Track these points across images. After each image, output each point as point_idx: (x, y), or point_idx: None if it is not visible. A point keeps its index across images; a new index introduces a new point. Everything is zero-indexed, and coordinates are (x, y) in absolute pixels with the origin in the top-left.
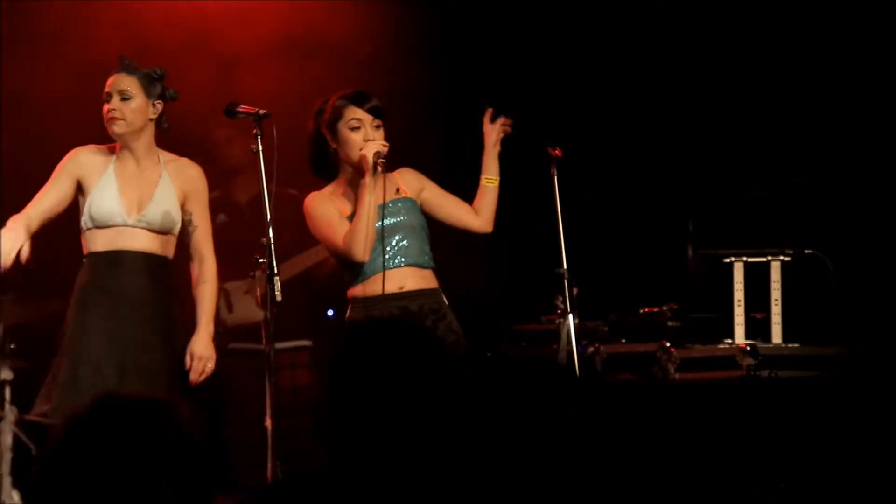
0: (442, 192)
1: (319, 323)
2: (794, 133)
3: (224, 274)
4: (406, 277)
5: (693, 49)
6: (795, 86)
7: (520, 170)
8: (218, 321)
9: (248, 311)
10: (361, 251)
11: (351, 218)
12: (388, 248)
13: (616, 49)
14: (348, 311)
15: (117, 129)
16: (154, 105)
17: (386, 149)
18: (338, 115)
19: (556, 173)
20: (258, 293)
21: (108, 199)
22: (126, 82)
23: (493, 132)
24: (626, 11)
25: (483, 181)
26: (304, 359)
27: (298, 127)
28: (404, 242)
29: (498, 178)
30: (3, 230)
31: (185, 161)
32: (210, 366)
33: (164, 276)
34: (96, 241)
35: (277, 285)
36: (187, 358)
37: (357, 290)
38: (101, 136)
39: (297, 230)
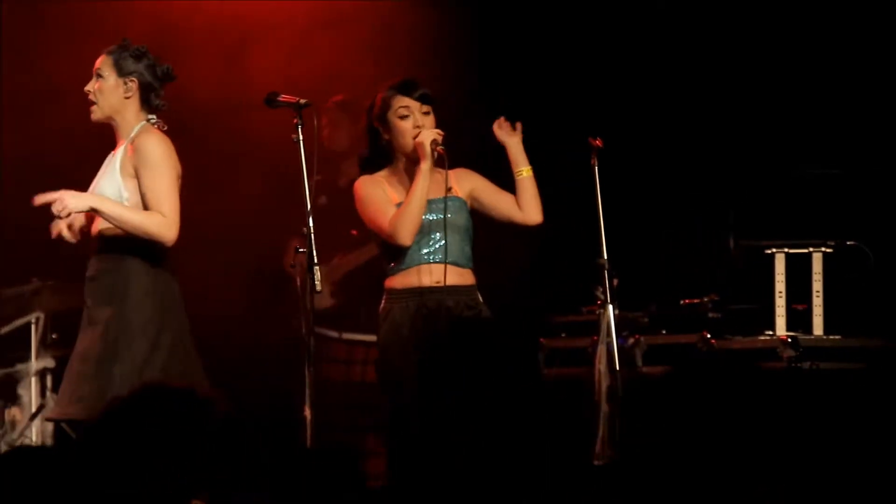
0: (494, 189)
1: None
2: (835, 121)
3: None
4: (442, 273)
5: (732, 37)
6: (836, 75)
7: (560, 160)
8: (298, 307)
9: (324, 297)
10: (407, 234)
11: (400, 205)
12: (429, 243)
13: (654, 36)
14: (383, 302)
15: (92, 116)
16: (126, 83)
17: (441, 136)
18: (386, 106)
19: (596, 163)
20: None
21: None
22: (102, 61)
23: (503, 134)
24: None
25: (516, 175)
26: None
27: None
28: (447, 240)
29: (528, 167)
30: None
31: (144, 131)
32: (56, 202)
33: (118, 254)
34: None
35: (317, 275)
36: None
37: (394, 282)
38: None
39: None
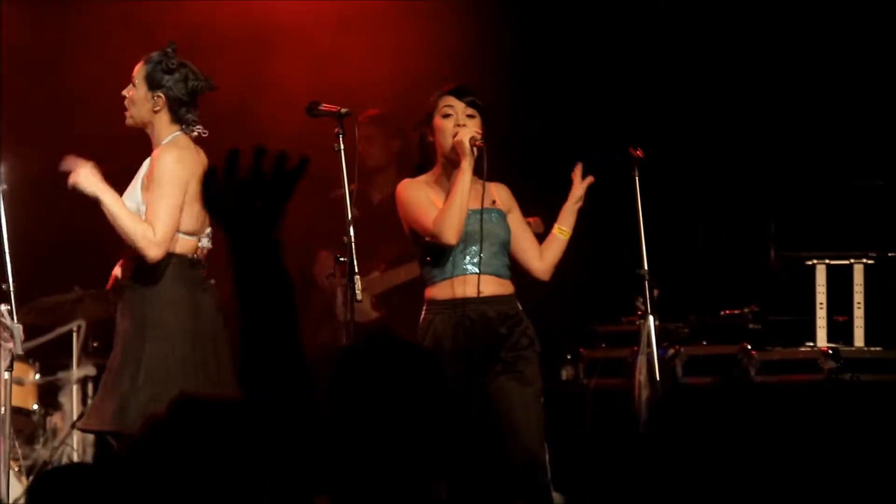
0: (523, 224)
1: None
2: (877, 131)
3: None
4: (485, 283)
5: (774, 48)
6: (879, 85)
7: (601, 171)
8: (334, 317)
9: (362, 309)
10: (452, 232)
11: None
12: (469, 254)
13: (695, 47)
14: (423, 313)
15: (126, 122)
16: (154, 98)
17: (480, 135)
18: (433, 107)
19: (637, 174)
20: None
21: None
22: (137, 70)
23: (580, 188)
24: (700, 10)
25: (556, 230)
26: None
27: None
28: (488, 252)
29: (570, 232)
30: None
31: (166, 146)
32: (73, 173)
33: (141, 265)
34: None
35: (358, 285)
36: None
37: (435, 292)
38: None
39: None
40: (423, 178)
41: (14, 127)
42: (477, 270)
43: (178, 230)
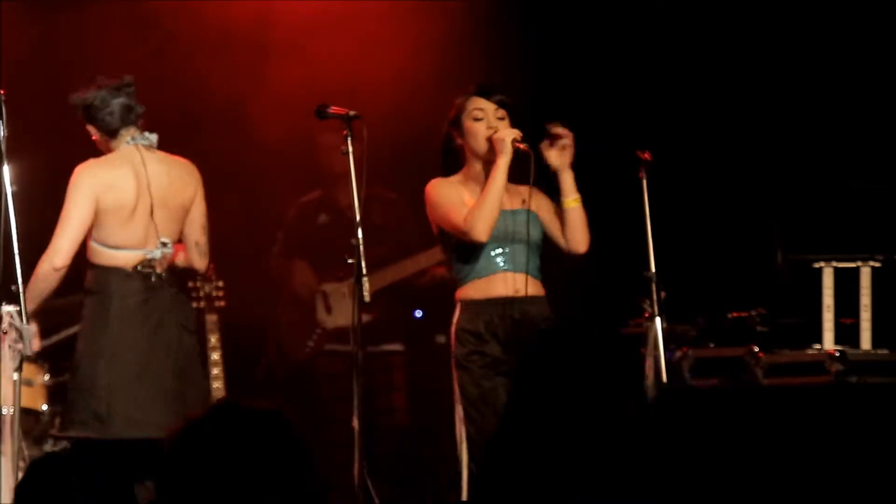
0: (553, 212)
1: (411, 328)
2: (883, 134)
3: (323, 275)
4: (521, 282)
5: (780, 50)
6: (886, 89)
7: (608, 172)
8: (316, 322)
9: (347, 313)
10: (483, 229)
11: None
12: (504, 254)
13: (701, 48)
14: (459, 312)
15: None
16: (89, 130)
17: (521, 136)
18: (461, 109)
19: (644, 176)
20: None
21: None
22: None
23: (554, 156)
24: (708, 11)
25: (563, 205)
26: (398, 361)
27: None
28: (519, 253)
29: (577, 197)
30: None
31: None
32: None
33: (85, 280)
34: None
35: (366, 286)
36: None
37: (470, 291)
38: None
39: (398, 238)
40: (453, 177)
41: (22, 128)
42: (513, 269)
43: (107, 245)
